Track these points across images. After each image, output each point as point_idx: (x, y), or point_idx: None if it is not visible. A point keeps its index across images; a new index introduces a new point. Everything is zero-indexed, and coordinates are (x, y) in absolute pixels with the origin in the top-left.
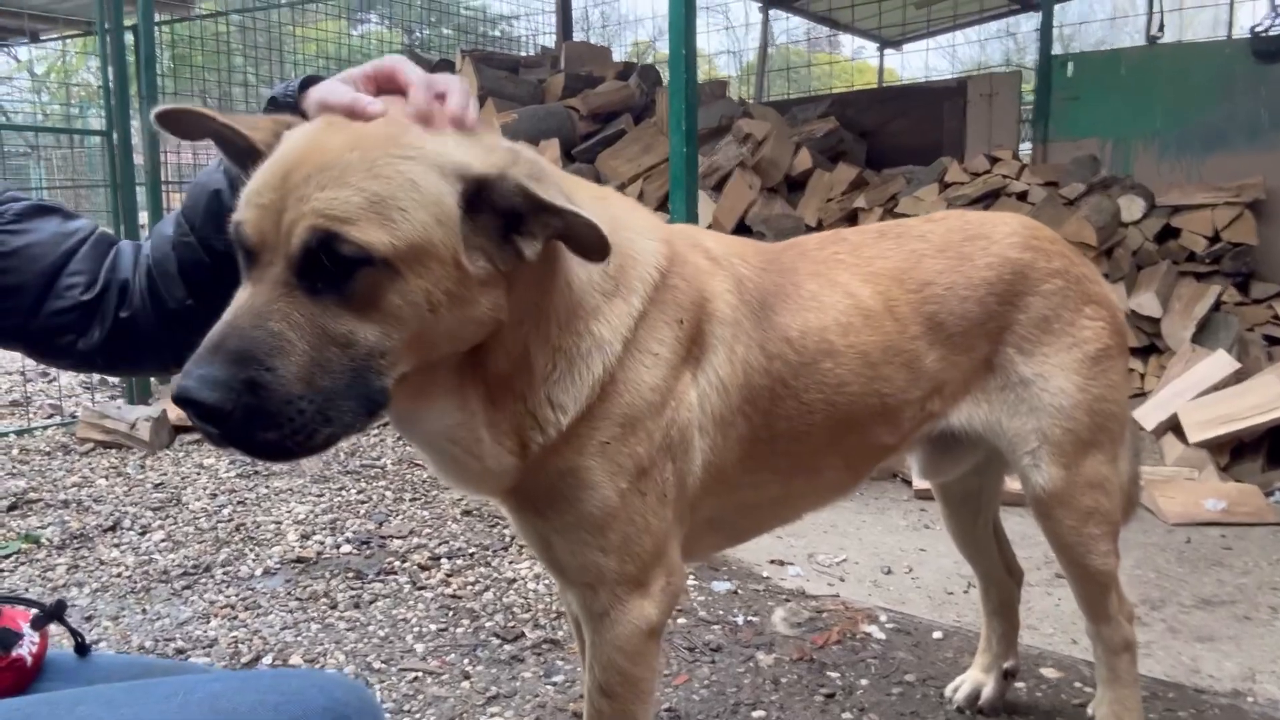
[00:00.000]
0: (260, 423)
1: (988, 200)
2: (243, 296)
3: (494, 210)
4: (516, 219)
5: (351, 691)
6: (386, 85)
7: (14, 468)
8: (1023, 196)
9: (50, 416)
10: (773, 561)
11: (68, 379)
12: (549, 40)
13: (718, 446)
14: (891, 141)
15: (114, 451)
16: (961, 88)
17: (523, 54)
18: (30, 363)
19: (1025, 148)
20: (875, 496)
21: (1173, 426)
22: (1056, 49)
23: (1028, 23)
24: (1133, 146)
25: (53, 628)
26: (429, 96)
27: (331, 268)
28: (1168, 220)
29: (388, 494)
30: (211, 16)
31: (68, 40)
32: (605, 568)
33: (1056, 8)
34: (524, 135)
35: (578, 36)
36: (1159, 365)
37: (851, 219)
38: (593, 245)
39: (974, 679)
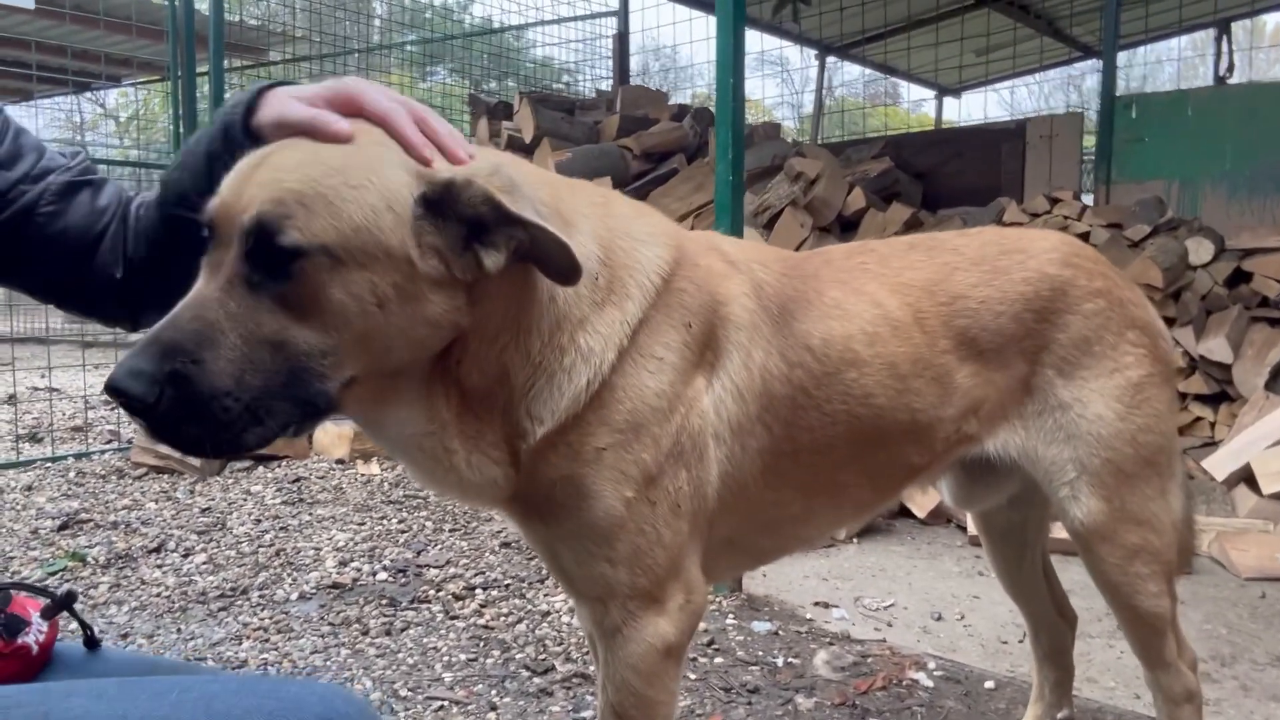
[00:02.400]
0: (185, 416)
1: None
2: (195, 287)
3: (458, 218)
4: (481, 229)
5: (351, 704)
6: (346, 109)
7: (70, 489)
8: (1085, 238)
9: (109, 442)
10: (817, 603)
11: None
12: (608, 88)
13: (735, 457)
14: (947, 183)
15: (166, 476)
16: (1020, 130)
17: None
18: (93, 391)
19: (1088, 196)
20: (928, 541)
21: (1245, 477)
22: (1120, 92)
23: (1092, 78)
24: (1200, 188)
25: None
26: (411, 123)
27: (271, 258)
28: (1238, 264)
29: (428, 524)
30: (283, 63)
31: (150, 86)
32: (615, 580)
33: (1121, 55)
34: (578, 173)
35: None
36: (1230, 414)
37: None
38: (562, 266)
39: None
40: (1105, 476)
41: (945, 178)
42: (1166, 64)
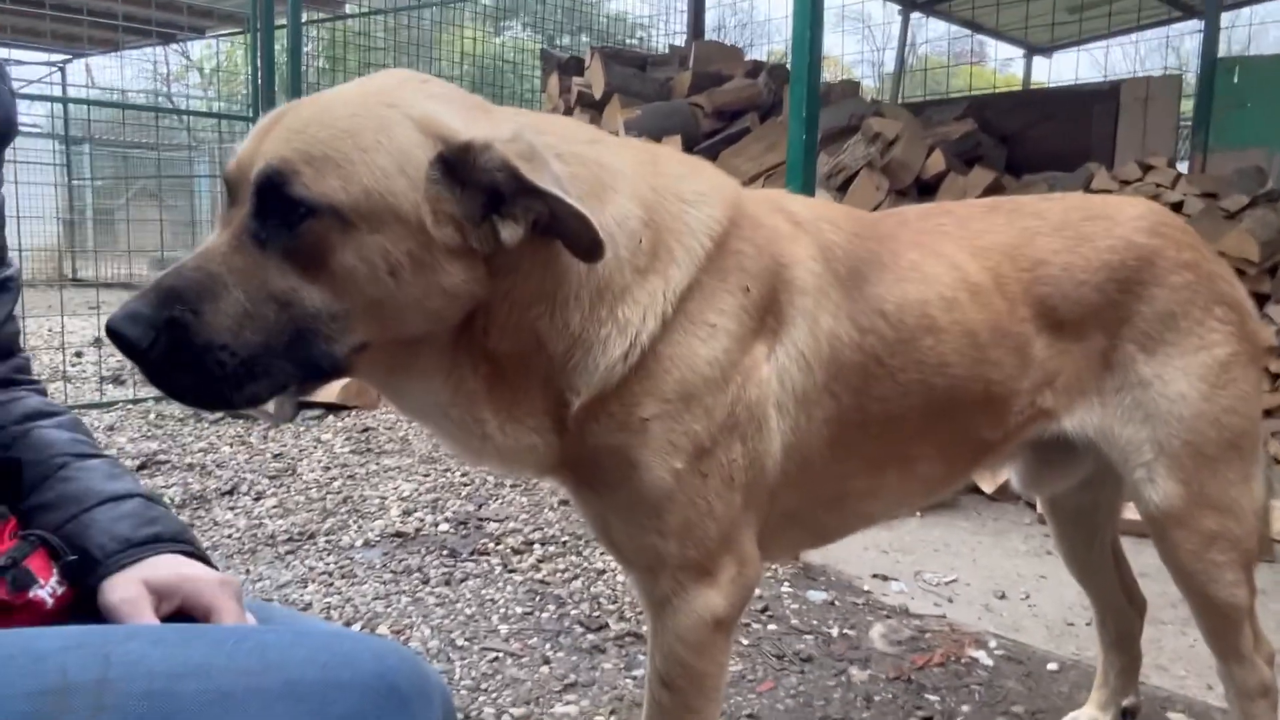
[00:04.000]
0: (178, 365)
1: None
2: (206, 240)
3: (475, 185)
4: (499, 198)
5: (406, 661)
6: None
7: (150, 431)
8: (1178, 208)
9: None
10: (875, 576)
11: None
12: (682, 44)
13: (800, 428)
14: (1034, 147)
15: (241, 422)
16: (1114, 92)
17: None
18: None
19: (1184, 164)
20: (994, 518)
21: None
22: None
23: (1193, 39)
24: None
25: None
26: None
27: (280, 216)
28: None
29: (489, 478)
30: (359, 16)
31: (232, 38)
32: (665, 551)
33: (1224, 15)
34: (647, 131)
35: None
36: None
37: None
38: (583, 242)
39: (1089, 715)
40: (1184, 459)
41: (1032, 141)
42: (1272, 26)
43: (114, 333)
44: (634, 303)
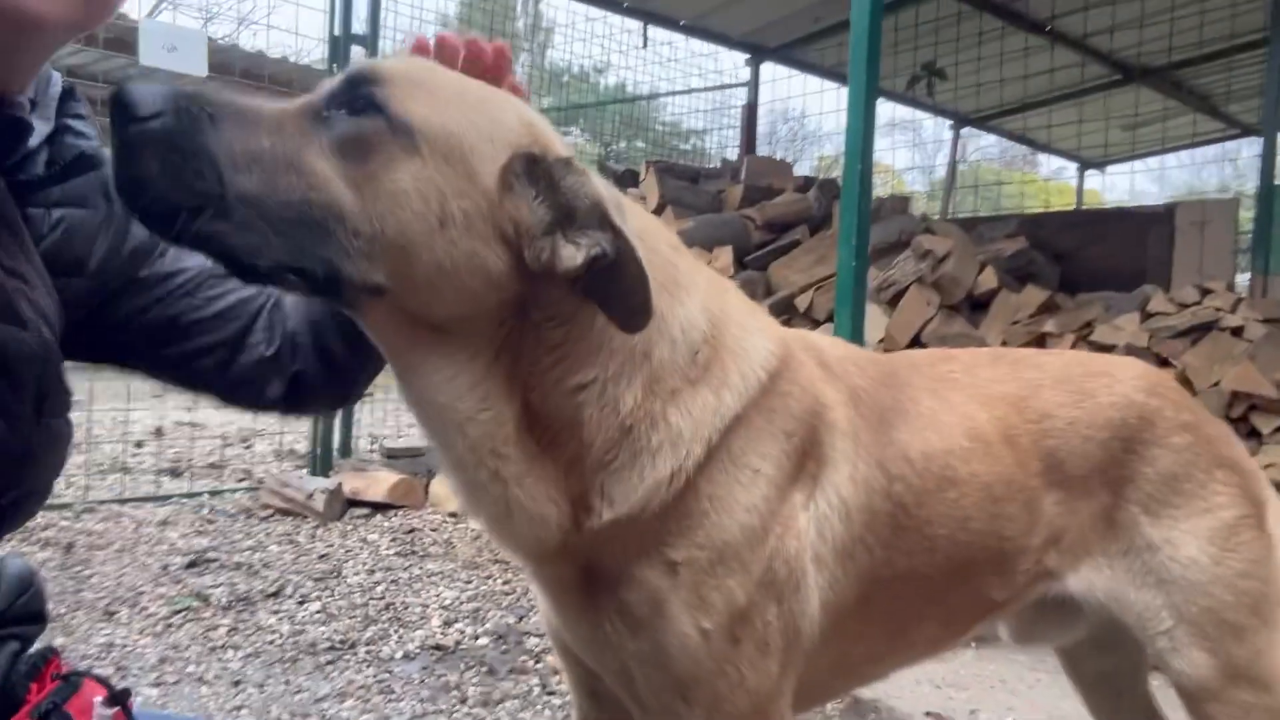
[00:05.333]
0: (156, 149)
1: (1196, 334)
2: None
3: (555, 199)
4: (569, 222)
5: None
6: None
7: (201, 526)
8: (1237, 332)
9: (241, 480)
10: (929, 714)
11: (262, 446)
12: (736, 154)
13: (837, 584)
14: (1087, 266)
15: (290, 519)
16: (1169, 214)
17: (706, 166)
18: (230, 429)
19: (1242, 281)
20: (1051, 653)
21: None
22: None
23: (1249, 148)
24: None
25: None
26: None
27: (351, 106)
28: None
29: (532, 586)
30: None
31: None
32: None
33: None
34: (700, 241)
35: (763, 151)
36: None
37: (1039, 344)
38: (634, 302)
39: None
40: (1206, 626)
41: (1085, 260)
42: None
43: (122, 92)
44: (686, 413)
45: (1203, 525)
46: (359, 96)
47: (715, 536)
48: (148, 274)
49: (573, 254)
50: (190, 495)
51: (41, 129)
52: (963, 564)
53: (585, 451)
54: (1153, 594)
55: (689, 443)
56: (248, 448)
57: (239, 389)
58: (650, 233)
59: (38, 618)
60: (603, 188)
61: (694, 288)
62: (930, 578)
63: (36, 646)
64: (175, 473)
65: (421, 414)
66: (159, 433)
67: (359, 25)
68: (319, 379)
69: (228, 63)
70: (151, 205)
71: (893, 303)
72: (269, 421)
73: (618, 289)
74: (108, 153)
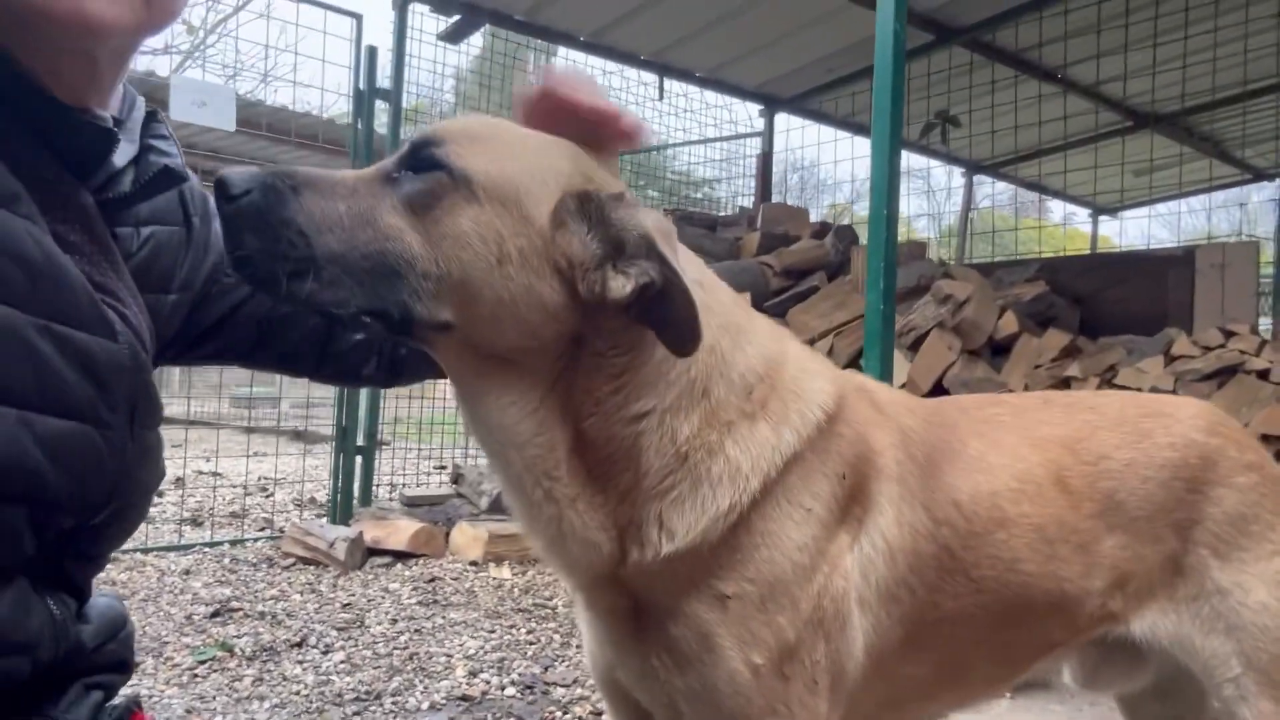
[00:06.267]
0: (251, 224)
1: (1221, 377)
2: None
3: (605, 234)
4: (619, 254)
5: None
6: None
7: (224, 575)
8: (1264, 375)
9: (262, 529)
10: None
11: (282, 495)
12: (748, 202)
13: (881, 625)
14: (1107, 310)
15: (312, 568)
16: (1189, 257)
17: (722, 214)
18: (251, 479)
19: (1264, 325)
20: (1090, 702)
21: None
22: None
23: (1259, 193)
24: None
25: None
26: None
27: (415, 164)
28: None
29: (556, 636)
30: None
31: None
32: None
33: None
34: None
35: (776, 198)
36: None
37: (1062, 388)
38: (683, 330)
39: None
40: (1276, 675)
41: (1105, 303)
42: None
43: (219, 176)
44: (745, 448)
45: (1272, 568)
46: (422, 157)
47: (767, 572)
48: (233, 278)
49: (622, 284)
50: (212, 544)
51: (128, 150)
52: (1016, 606)
53: (641, 478)
54: (1221, 640)
55: (747, 476)
56: (268, 496)
57: (337, 370)
58: (710, 283)
59: (123, 666)
60: (652, 220)
61: (754, 332)
62: (981, 619)
63: (121, 697)
64: (197, 522)
65: (482, 437)
66: (180, 482)
67: (383, 80)
68: (413, 353)
69: (255, 117)
70: (256, 273)
71: (914, 347)
72: (289, 469)
73: (668, 314)
74: (189, 171)
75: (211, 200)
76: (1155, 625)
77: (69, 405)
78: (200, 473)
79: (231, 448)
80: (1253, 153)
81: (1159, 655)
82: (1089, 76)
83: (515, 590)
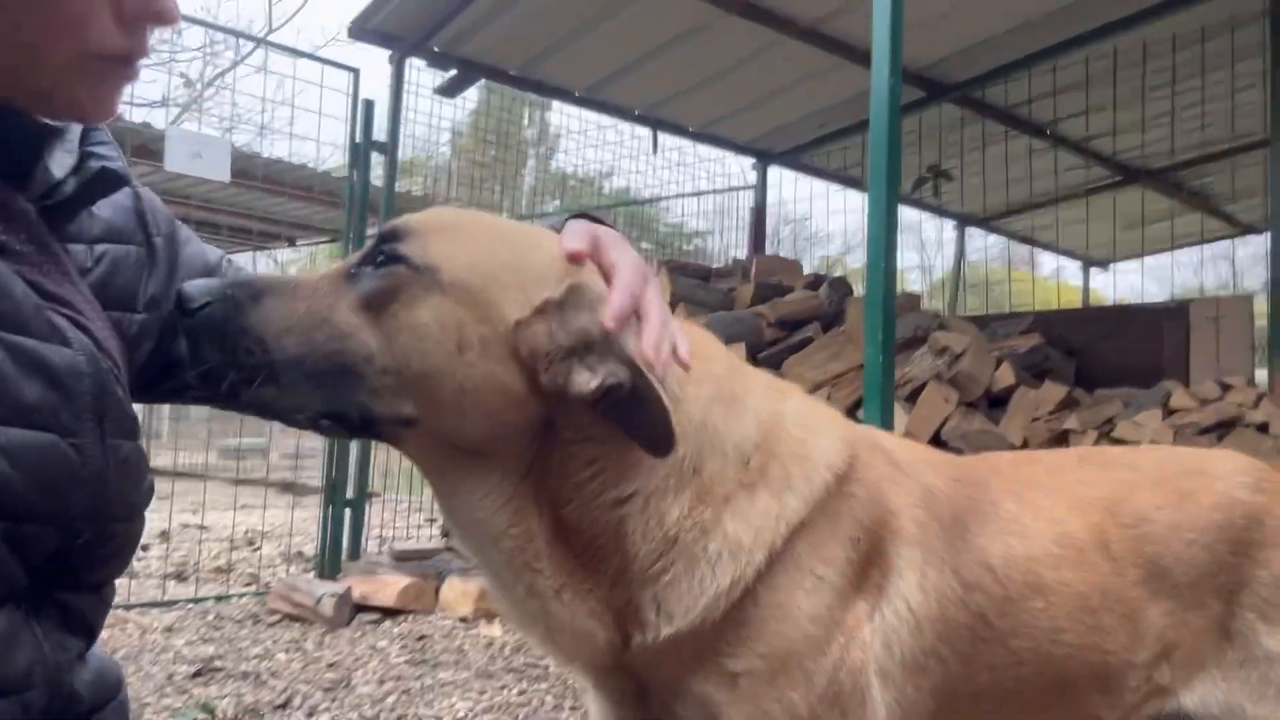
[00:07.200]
0: (211, 335)
1: (1220, 430)
2: None
3: (571, 330)
4: (588, 350)
5: None
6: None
7: (207, 633)
8: (1263, 429)
9: (248, 585)
10: None
11: (269, 549)
12: (740, 254)
13: (907, 699)
14: (1103, 362)
15: (298, 624)
16: (1182, 310)
17: (716, 265)
18: (238, 532)
19: (1260, 377)
20: None
21: None
22: None
23: (1243, 248)
24: None
25: None
26: (627, 289)
27: (377, 259)
28: None
29: (548, 698)
30: None
31: (318, 245)
32: None
33: None
34: None
35: (769, 250)
36: None
37: (1060, 441)
38: (654, 433)
39: None
40: None
41: (1100, 356)
42: None
43: (179, 291)
44: (745, 522)
45: None
46: (384, 251)
47: (777, 646)
48: None
49: (586, 380)
50: (196, 600)
51: (66, 160)
52: (1057, 679)
53: (631, 563)
54: (1273, 708)
55: (749, 550)
56: (255, 550)
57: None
58: (702, 349)
59: None
60: (631, 260)
61: (749, 396)
62: (1019, 693)
63: None
64: (181, 576)
65: (459, 531)
66: (165, 535)
67: (379, 133)
68: None
69: (250, 169)
70: (215, 387)
71: (910, 399)
72: (277, 522)
73: (638, 417)
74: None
75: (179, 223)
76: (1207, 697)
77: (28, 413)
78: (186, 525)
79: (219, 500)
80: (1238, 207)
81: None
82: (1079, 132)
83: (506, 648)
